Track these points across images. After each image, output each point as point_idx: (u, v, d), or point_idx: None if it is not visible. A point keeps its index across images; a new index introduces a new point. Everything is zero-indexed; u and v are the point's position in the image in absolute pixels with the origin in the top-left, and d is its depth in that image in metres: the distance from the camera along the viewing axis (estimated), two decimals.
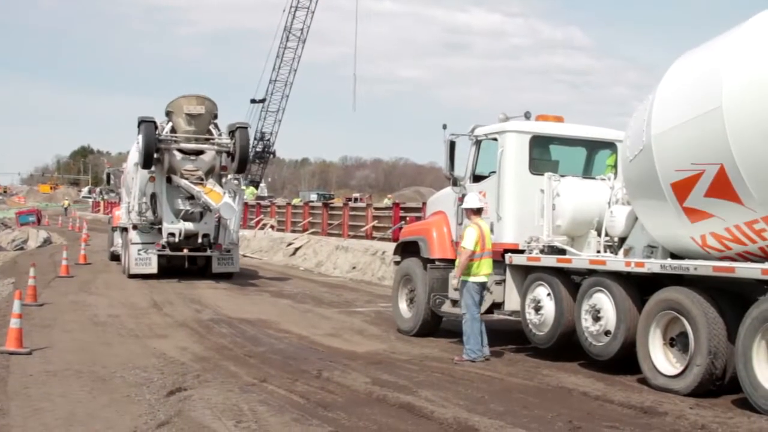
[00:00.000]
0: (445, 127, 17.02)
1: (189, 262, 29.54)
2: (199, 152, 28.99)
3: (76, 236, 52.14)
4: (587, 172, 16.94)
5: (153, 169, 28.31)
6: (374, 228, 38.00)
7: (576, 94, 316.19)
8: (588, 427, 10.47)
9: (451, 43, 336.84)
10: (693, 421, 10.67)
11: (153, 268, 28.74)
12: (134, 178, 29.81)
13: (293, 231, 45.98)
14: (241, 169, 29.39)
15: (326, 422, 10.54)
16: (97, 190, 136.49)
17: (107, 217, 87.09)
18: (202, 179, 28.11)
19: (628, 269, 13.60)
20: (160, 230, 28.52)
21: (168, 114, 29.16)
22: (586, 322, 14.16)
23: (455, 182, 17.17)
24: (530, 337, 15.60)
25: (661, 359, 12.77)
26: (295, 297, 25.20)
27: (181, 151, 28.71)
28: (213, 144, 29.15)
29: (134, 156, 30.27)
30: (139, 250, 28.80)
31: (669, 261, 13.13)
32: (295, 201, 56.84)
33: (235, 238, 29.80)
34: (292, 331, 18.25)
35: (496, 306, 16.30)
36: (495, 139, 16.60)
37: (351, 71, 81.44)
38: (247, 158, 29.37)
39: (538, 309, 15.24)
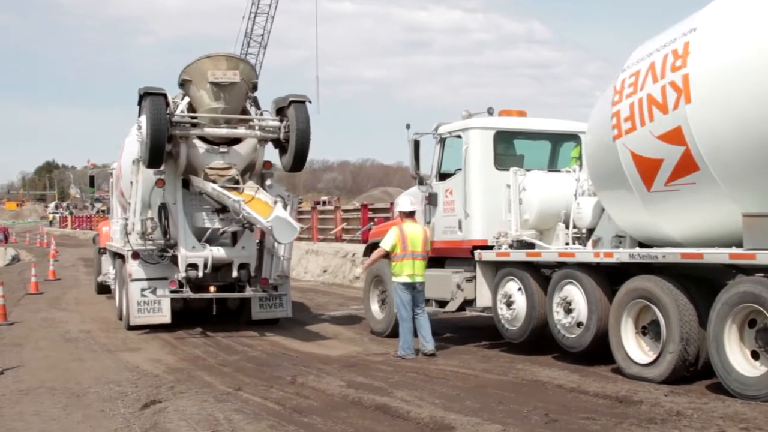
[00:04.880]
0: (408, 126, 17.10)
1: (217, 304, 19.73)
2: (233, 141, 19.50)
3: (45, 252, 51.83)
4: (552, 165, 17.03)
5: (162, 168, 18.97)
6: (343, 230, 38.02)
7: (539, 87, 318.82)
8: (564, 419, 10.47)
9: (412, 42, 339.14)
10: (668, 408, 10.69)
11: (165, 316, 19.35)
12: (134, 182, 20.09)
13: None
14: (299, 165, 19.67)
15: (302, 427, 10.51)
16: (64, 204, 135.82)
17: (75, 232, 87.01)
18: (237, 182, 18.68)
19: (598, 260, 13.65)
20: (174, 259, 19.39)
21: (184, 84, 19.22)
22: (558, 315, 14.19)
23: (421, 181, 17.25)
24: (503, 333, 15.64)
25: (634, 348, 12.82)
26: None
27: (204, 140, 19.24)
28: (253, 128, 19.56)
29: (132, 149, 20.52)
30: (143, 291, 19.31)
31: (637, 250, 13.20)
32: None
33: (286, 268, 20.10)
34: (265, 337, 18.18)
35: (468, 303, 16.36)
36: (459, 137, 16.65)
37: (313, 74, 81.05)
38: (308, 149, 19.31)
39: (509, 304, 15.27)
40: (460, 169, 16.57)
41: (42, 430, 10.99)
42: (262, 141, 19.51)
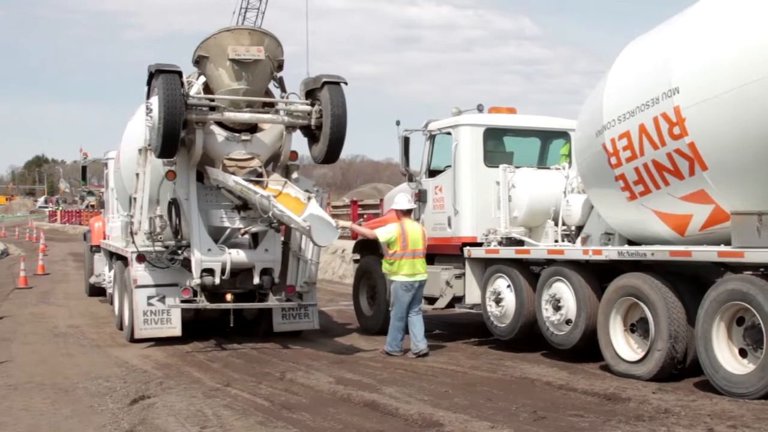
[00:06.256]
0: (398, 123, 17.15)
1: (234, 314, 17.02)
2: (255, 128, 17.07)
3: (34, 247, 51.71)
4: (542, 163, 17.06)
5: (173, 158, 16.27)
6: None
7: (529, 84, 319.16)
8: (552, 416, 10.49)
9: (402, 38, 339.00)
10: (656, 405, 10.72)
11: (175, 328, 16.90)
12: (141, 174, 17.27)
13: None
14: (333, 156, 16.78)
15: (291, 424, 10.50)
16: (54, 199, 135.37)
17: (64, 227, 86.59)
18: (260, 175, 16.16)
19: (586, 257, 13.68)
20: (185, 262, 16.86)
21: (199, 62, 16.66)
22: (547, 312, 14.22)
23: (411, 178, 17.25)
24: (492, 330, 15.65)
25: (623, 345, 12.85)
26: None
27: (222, 126, 16.68)
28: (279, 113, 16.99)
29: (136, 135, 17.70)
30: (150, 299, 16.86)
31: (626, 247, 13.21)
32: None
33: (314, 274, 17.69)
34: (254, 334, 18.12)
35: (457, 300, 16.39)
36: (449, 133, 16.68)
37: (303, 70, 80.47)
38: (344, 137, 16.58)
39: (498, 301, 15.29)
40: (449, 166, 16.58)
41: (30, 425, 10.96)
42: (290, 128, 16.86)
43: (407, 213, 15.81)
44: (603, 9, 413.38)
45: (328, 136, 16.30)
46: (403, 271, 15.36)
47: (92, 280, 25.55)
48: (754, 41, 11.05)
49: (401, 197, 16.02)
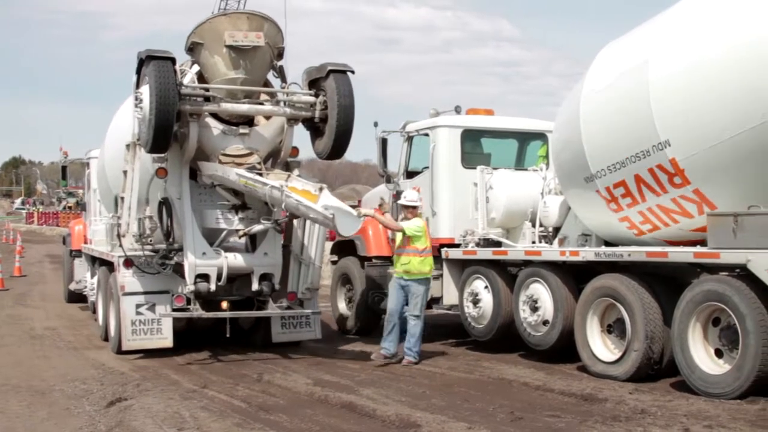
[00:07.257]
0: (376, 124, 17.13)
1: (230, 323, 15.60)
2: (252, 121, 15.79)
3: (11, 248, 51.39)
4: (519, 164, 17.11)
5: (165, 154, 15.02)
6: None
7: (507, 85, 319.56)
8: (529, 416, 10.50)
9: (381, 39, 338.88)
10: (633, 406, 10.75)
11: (166, 339, 15.54)
12: (129, 171, 16.05)
13: None
14: (339, 150, 15.58)
15: (268, 425, 10.48)
16: (31, 200, 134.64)
17: (42, 228, 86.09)
18: (260, 172, 14.84)
19: (564, 258, 13.71)
20: (177, 267, 15.49)
21: (193, 49, 15.19)
22: (524, 313, 14.24)
23: (389, 179, 17.21)
24: (469, 331, 15.67)
25: (600, 346, 12.89)
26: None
27: (218, 118, 15.41)
28: (280, 104, 15.71)
29: (123, 129, 16.55)
30: (138, 307, 15.48)
31: (603, 248, 13.25)
32: None
33: (317, 279, 16.44)
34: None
35: (435, 301, 16.35)
36: (426, 135, 16.71)
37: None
38: (351, 130, 15.28)
39: (476, 302, 15.30)
40: (427, 167, 16.61)
41: (6, 428, 10.90)
42: (291, 121, 15.55)
43: (415, 209, 15.00)
44: (581, 11, 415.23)
45: (335, 129, 15.05)
46: (432, 269, 14.92)
47: (72, 286, 24.09)
48: (750, 83, 11.01)
49: (411, 193, 15.20)
